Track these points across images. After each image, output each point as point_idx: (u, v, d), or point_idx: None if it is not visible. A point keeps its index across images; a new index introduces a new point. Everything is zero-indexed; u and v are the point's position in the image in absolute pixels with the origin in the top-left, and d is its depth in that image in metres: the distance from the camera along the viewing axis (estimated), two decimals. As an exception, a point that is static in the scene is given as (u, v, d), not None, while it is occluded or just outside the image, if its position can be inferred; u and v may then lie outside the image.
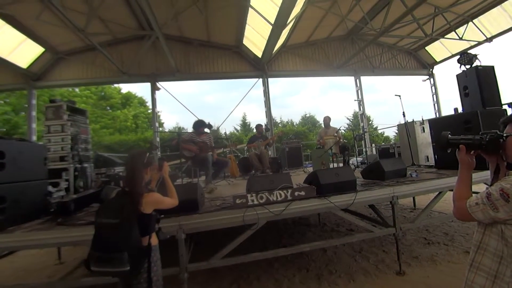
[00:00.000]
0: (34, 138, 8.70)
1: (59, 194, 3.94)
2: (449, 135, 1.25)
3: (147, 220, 1.66)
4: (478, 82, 4.01)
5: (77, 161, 5.04)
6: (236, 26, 8.34)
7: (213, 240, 3.14)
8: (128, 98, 23.05)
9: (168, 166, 2.00)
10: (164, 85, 9.53)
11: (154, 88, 9.35)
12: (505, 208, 0.95)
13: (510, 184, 0.95)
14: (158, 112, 14.26)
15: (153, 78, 9.26)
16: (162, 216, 2.36)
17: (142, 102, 23.85)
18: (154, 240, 1.73)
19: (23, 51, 7.70)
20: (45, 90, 13.83)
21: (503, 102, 4.09)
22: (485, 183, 3.48)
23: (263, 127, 6.55)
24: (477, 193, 1.12)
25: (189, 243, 2.60)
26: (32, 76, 8.60)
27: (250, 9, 6.82)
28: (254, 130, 6.63)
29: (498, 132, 1.10)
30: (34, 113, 8.87)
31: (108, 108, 21.75)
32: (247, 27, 7.93)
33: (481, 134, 1.14)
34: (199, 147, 4.62)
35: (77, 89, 19.05)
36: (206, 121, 5.03)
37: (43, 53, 8.25)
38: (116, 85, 21.38)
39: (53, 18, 6.78)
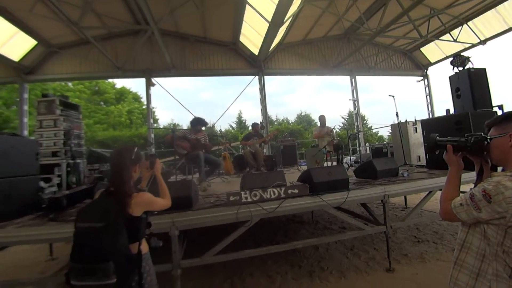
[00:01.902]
0: (26, 132, 8.55)
1: (51, 189, 3.90)
2: (437, 137, 1.28)
3: (137, 224, 1.48)
4: (470, 84, 4.09)
5: (70, 157, 4.99)
6: (233, 23, 8.30)
7: (207, 237, 3.16)
8: (123, 94, 22.76)
9: (161, 163, 1.85)
10: (159, 81, 9.46)
11: (149, 84, 9.27)
12: (487, 208, 0.98)
13: (492, 186, 0.98)
14: (153, 108, 14.21)
15: (148, 73, 9.17)
16: (156, 212, 2.38)
17: (136, 98, 23.61)
18: (145, 247, 1.55)
19: (15, 43, 7.53)
20: (37, 84, 13.59)
21: (493, 104, 4.18)
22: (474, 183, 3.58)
23: (259, 125, 6.57)
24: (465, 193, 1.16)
25: (182, 239, 2.61)
26: (24, 70, 8.43)
27: (247, 6, 6.79)
28: (250, 128, 6.64)
29: (483, 135, 1.14)
30: (26, 107, 8.71)
31: (102, 103, 21.46)
32: (244, 24, 7.89)
33: (467, 136, 1.18)
34: (191, 144, 4.60)
35: (70, 84, 18.72)
36: (201, 117, 5.01)
37: (35, 46, 8.08)
38: (110, 80, 21.14)
39: (47, 11, 6.65)
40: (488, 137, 1.11)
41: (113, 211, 1.35)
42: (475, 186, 1.10)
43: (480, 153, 1.14)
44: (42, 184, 3.38)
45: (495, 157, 1.10)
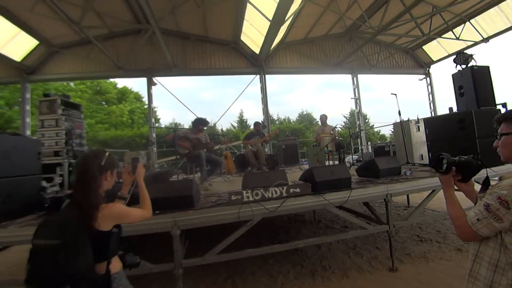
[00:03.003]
0: (28, 132, 8.59)
1: (53, 189, 3.90)
2: (446, 156, 1.26)
3: (105, 240, 1.29)
4: (473, 82, 4.04)
5: (72, 156, 5.00)
6: (234, 22, 8.28)
7: (209, 237, 3.15)
8: (124, 93, 22.84)
9: (144, 168, 1.66)
10: (161, 81, 9.47)
11: (150, 83, 9.28)
12: (507, 216, 0.92)
13: (506, 190, 0.93)
14: (155, 107, 14.21)
15: (150, 73, 9.18)
16: (158, 212, 2.38)
17: (138, 97, 23.68)
18: (116, 266, 1.35)
19: (17, 44, 7.56)
20: (39, 84, 13.65)
21: (497, 102, 4.14)
22: (476, 181, 3.55)
23: (261, 125, 6.56)
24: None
25: (184, 239, 2.61)
26: (26, 70, 8.47)
27: (248, 4, 6.77)
28: (252, 127, 6.63)
29: (474, 157, 1.19)
30: (28, 107, 8.75)
31: (104, 103, 21.54)
32: (245, 23, 7.88)
33: (459, 157, 1.24)
34: (192, 144, 4.61)
35: (72, 83, 18.80)
36: (203, 117, 5.01)
37: (37, 46, 8.11)
38: (112, 79, 21.19)
39: (48, 11, 6.66)
40: (499, 134, 1.08)
41: (72, 226, 1.16)
42: (480, 193, 1.07)
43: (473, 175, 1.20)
44: (44, 183, 3.39)
45: (506, 154, 1.07)
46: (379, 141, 17.78)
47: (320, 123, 7.14)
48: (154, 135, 9.58)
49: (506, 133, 1.05)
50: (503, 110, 4.12)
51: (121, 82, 22.88)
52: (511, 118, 1.06)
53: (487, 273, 0.99)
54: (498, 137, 1.09)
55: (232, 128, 25.31)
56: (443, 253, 3.30)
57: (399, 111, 5.49)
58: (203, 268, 2.96)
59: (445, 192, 1.21)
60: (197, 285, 2.94)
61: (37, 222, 2.42)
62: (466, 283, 1.09)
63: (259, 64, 9.65)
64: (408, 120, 5.76)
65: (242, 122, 26.61)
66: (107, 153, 1.42)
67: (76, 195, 1.30)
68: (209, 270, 3.14)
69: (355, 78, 10.94)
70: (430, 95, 11.64)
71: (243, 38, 8.98)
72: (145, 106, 20.82)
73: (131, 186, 1.66)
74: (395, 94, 5.62)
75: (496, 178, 1.11)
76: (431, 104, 11.59)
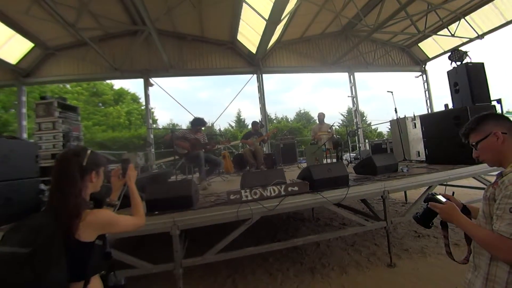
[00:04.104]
0: (25, 135, 8.55)
1: (51, 192, 3.89)
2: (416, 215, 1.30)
3: (85, 253, 1.08)
4: (468, 78, 4.08)
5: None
6: (230, 22, 8.28)
7: (208, 236, 3.17)
8: (121, 95, 22.76)
9: (135, 171, 1.48)
10: (158, 81, 9.45)
11: (147, 84, 9.25)
12: None
13: None
14: (152, 108, 14.17)
15: (146, 74, 9.15)
16: (157, 212, 2.39)
17: (135, 99, 23.59)
18: (95, 287, 1.13)
19: (12, 46, 7.50)
20: (35, 87, 13.58)
21: (492, 98, 4.18)
22: (474, 177, 3.59)
23: (259, 124, 6.58)
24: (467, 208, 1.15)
25: (183, 239, 2.62)
26: (21, 72, 8.41)
27: (244, 4, 6.77)
28: (250, 127, 6.65)
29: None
30: (24, 110, 8.70)
31: (101, 104, 21.46)
32: (241, 22, 7.87)
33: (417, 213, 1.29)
34: (191, 144, 4.62)
35: (68, 86, 18.72)
36: (201, 117, 5.02)
37: (32, 48, 8.05)
38: (108, 81, 21.10)
39: (43, 13, 6.62)
40: (473, 144, 1.11)
41: (46, 233, 0.96)
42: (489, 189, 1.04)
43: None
44: (42, 186, 3.38)
45: (489, 159, 1.08)
46: (376, 139, 17.85)
47: (317, 122, 7.17)
48: (151, 136, 9.56)
49: (479, 140, 1.08)
50: (498, 106, 4.16)
51: (117, 84, 22.84)
52: (474, 127, 1.10)
53: (508, 276, 0.92)
54: (475, 147, 1.10)
55: (230, 128, 25.33)
56: (441, 248, 3.32)
57: (395, 108, 5.53)
58: (203, 267, 2.98)
59: (459, 225, 1.08)
60: (198, 284, 2.96)
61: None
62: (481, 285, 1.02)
63: (256, 63, 9.65)
64: (405, 117, 5.79)
65: (240, 121, 26.63)
66: (89, 151, 1.24)
67: (53, 200, 1.10)
68: (209, 269, 3.16)
69: (351, 76, 10.98)
70: (426, 92, 11.71)
71: (239, 37, 8.98)
72: (142, 107, 20.81)
73: (122, 191, 1.46)
74: (392, 92, 5.66)
75: (494, 174, 1.11)
76: (428, 101, 11.66)
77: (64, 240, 1.00)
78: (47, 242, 0.95)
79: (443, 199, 1.18)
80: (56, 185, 1.12)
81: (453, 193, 1.14)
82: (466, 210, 1.17)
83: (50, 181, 1.15)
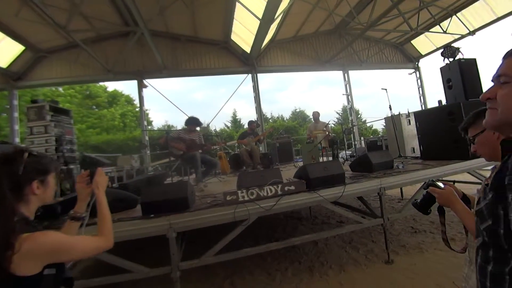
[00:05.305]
0: (17, 140, 8.40)
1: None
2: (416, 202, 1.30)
3: None
4: (460, 74, 4.11)
5: (63, 163, 4.92)
6: (224, 21, 8.24)
7: (205, 238, 3.14)
8: (115, 97, 22.51)
9: (106, 177, 1.20)
10: (151, 83, 9.38)
11: (141, 86, 9.18)
12: None
13: None
14: (146, 110, 14.03)
15: (140, 75, 9.07)
16: (152, 215, 2.36)
17: (129, 101, 23.35)
18: None
19: (2, 50, 7.36)
20: (27, 90, 13.31)
21: (484, 93, 4.22)
22: (468, 172, 3.62)
23: (255, 124, 6.56)
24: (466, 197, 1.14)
25: (180, 241, 2.60)
26: (12, 76, 8.26)
27: (237, 3, 6.75)
28: (246, 126, 6.63)
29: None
30: (16, 114, 8.55)
31: (94, 107, 21.19)
32: (234, 22, 7.84)
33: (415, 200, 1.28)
34: (186, 145, 4.57)
35: (60, 88, 18.46)
36: (195, 117, 4.98)
37: (23, 51, 7.92)
38: (102, 83, 20.85)
39: (33, 15, 6.52)
40: (471, 138, 1.11)
41: None
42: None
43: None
44: (35, 191, 3.33)
45: (486, 153, 1.08)
46: (371, 136, 17.96)
47: (313, 120, 7.18)
48: (147, 138, 9.50)
49: (477, 134, 1.08)
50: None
51: (111, 86, 22.55)
52: (472, 122, 1.10)
53: None
54: (472, 142, 1.11)
55: (226, 128, 25.24)
56: (438, 244, 3.35)
57: (389, 105, 5.57)
58: (201, 269, 2.96)
59: (455, 210, 1.08)
60: (195, 286, 2.94)
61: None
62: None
63: (250, 63, 9.63)
64: (399, 114, 5.83)
65: (235, 121, 26.52)
66: (26, 154, 0.94)
67: None
68: (207, 271, 3.13)
69: (346, 74, 11.03)
70: (420, 88, 11.81)
71: (233, 37, 8.95)
72: (137, 109, 20.62)
73: (90, 201, 1.17)
74: (386, 89, 5.69)
75: (489, 168, 1.11)
76: (421, 97, 11.76)
77: None
78: None
79: (443, 186, 1.19)
80: None
81: (454, 182, 1.13)
82: (466, 199, 1.18)
83: None
